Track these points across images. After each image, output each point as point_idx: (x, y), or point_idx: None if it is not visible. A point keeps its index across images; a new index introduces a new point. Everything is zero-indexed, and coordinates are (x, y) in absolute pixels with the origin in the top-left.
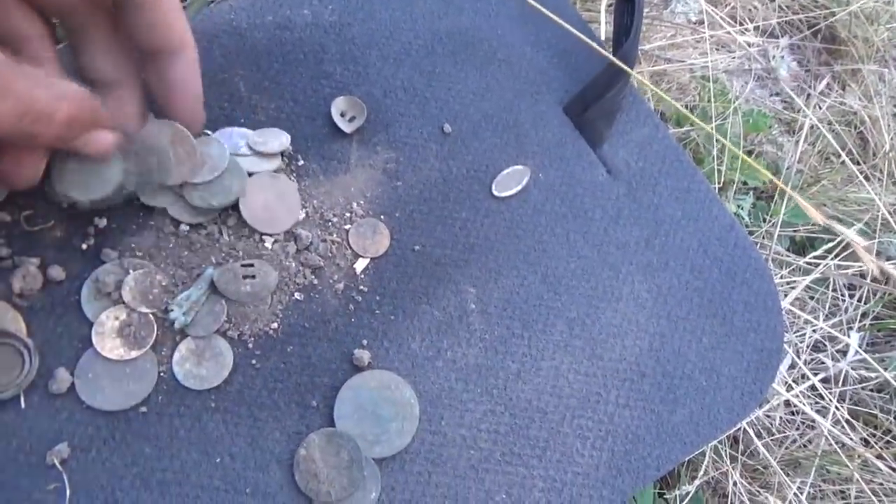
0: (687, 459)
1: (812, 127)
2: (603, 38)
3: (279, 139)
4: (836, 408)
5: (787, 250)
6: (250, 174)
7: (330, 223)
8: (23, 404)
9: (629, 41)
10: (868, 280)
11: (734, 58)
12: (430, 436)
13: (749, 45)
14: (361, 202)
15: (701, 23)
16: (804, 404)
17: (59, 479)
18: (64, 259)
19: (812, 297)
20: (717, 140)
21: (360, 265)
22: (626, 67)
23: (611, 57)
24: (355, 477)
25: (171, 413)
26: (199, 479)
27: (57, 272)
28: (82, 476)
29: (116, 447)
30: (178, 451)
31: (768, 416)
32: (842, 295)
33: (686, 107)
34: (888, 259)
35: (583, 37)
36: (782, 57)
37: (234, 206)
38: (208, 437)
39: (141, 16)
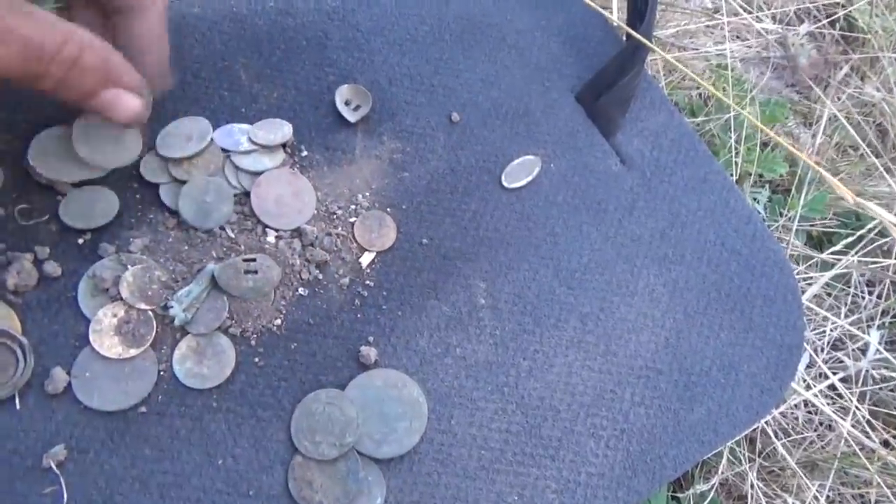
0: (701, 460)
1: (830, 118)
2: (615, 24)
3: (281, 130)
4: (856, 408)
5: (804, 245)
6: (258, 172)
7: (335, 216)
8: (17, 405)
9: (645, 23)
10: (890, 272)
11: (750, 46)
12: (439, 435)
13: (766, 32)
14: (367, 194)
15: (717, 10)
16: (823, 404)
17: (56, 482)
18: (60, 254)
19: (830, 294)
20: (736, 127)
21: (366, 259)
22: (648, 43)
23: (633, 33)
24: (350, 489)
25: (172, 413)
26: (201, 481)
27: (52, 268)
28: (80, 479)
29: (115, 449)
30: (178, 452)
31: (785, 417)
32: (861, 292)
33: (700, 96)
34: None
35: (602, 11)
36: (802, 44)
37: (237, 199)
38: (210, 437)
39: None
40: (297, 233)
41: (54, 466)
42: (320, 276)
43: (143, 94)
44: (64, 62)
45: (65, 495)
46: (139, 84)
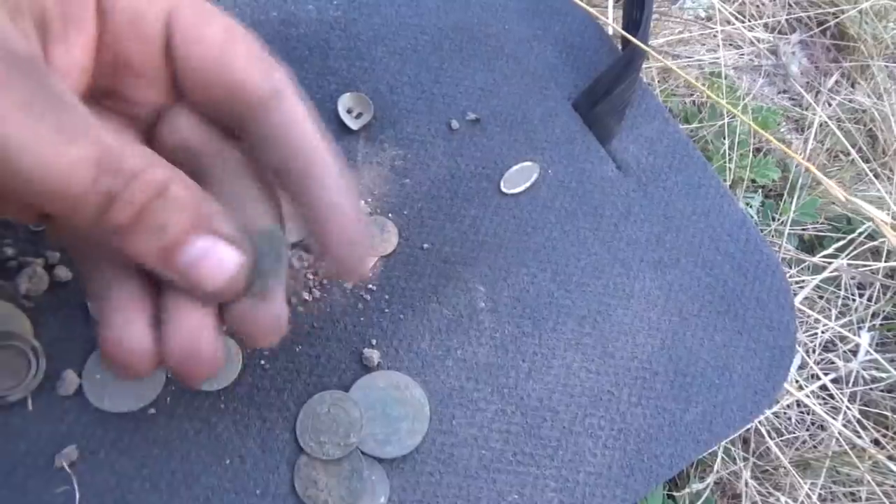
0: (696, 459)
1: (821, 124)
2: (611, 33)
3: None
4: (847, 408)
5: (797, 249)
6: None
7: None
8: (30, 407)
9: (641, 31)
10: (880, 275)
11: (742, 54)
12: (440, 436)
13: (758, 41)
14: (369, 200)
15: (710, 18)
16: (815, 404)
17: (69, 482)
18: (70, 259)
19: (822, 297)
20: (729, 134)
21: (369, 263)
22: (645, 47)
23: (632, 38)
24: (354, 488)
25: (180, 414)
26: (209, 480)
27: (63, 272)
28: (91, 479)
29: (125, 449)
30: (187, 452)
31: (778, 417)
32: (852, 294)
33: (694, 104)
34: None
35: (600, 16)
36: (793, 53)
37: None
38: (217, 438)
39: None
40: (303, 246)
41: (66, 466)
42: (324, 281)
43: (244, 248)
44: (149, 185)
45: (77, 495)
46: (237, 237)
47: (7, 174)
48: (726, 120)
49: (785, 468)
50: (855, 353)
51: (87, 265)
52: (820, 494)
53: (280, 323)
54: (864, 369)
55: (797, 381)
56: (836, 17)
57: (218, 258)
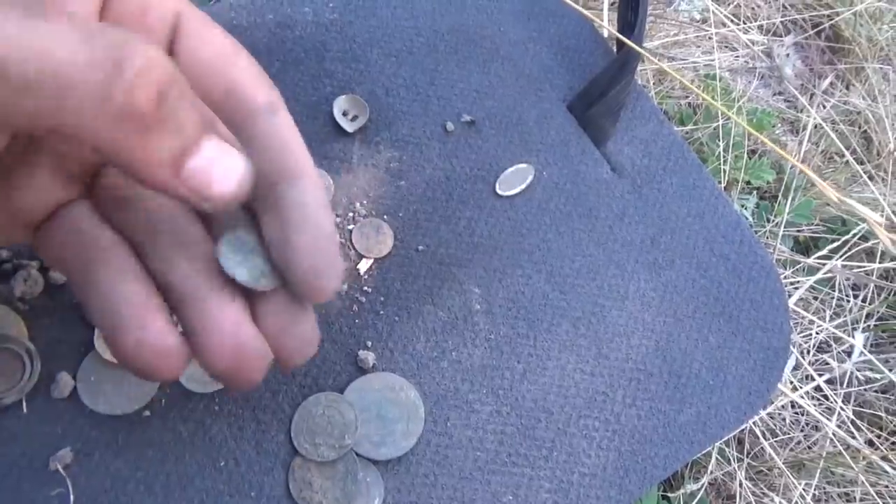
0: (691, 460)
1: (816, 126)
2: (606, 35)
3: None
4: (841, 409)
5: (791, 250)
6: None
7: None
8: (25, 409)
9: (635, 33)
10: (874, 277)
11: (737, 56)
12: (435, 437)
13: (753, 43)
14: (364, 202)
15: (705, 21)
16: (809, 405)
17: (63, 484)
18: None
19: (816, 298)
20: (724, 136)
21: (364, 266)
22: (640, 49)
23: (626, 40)
24: (349, 490)
25: (175, 417)
26: (204, 482)
27: (58, 275)
28: (86, 481)
29: (120, 451)
30: (181, 454)
31: (772, 418)
32: (846, 296)
33: (689, 105)
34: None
35: (595, 19)
36: (788, 55)
37: None
38: (212, 440)
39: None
40: None
41: (61, 469)
42: None
43: (245, 153)
44: (162, 68)
45: (71, 497)
46: (237, 142)
47: None
48: (721, 122)
49: (779, 469)
50: (849, 354)
51: (83, 274)
52: (814, 495)
53: (314, 337)
54: (859, 370)
55: (791, 382)
56: (831, 20)
57: (228, 162)
